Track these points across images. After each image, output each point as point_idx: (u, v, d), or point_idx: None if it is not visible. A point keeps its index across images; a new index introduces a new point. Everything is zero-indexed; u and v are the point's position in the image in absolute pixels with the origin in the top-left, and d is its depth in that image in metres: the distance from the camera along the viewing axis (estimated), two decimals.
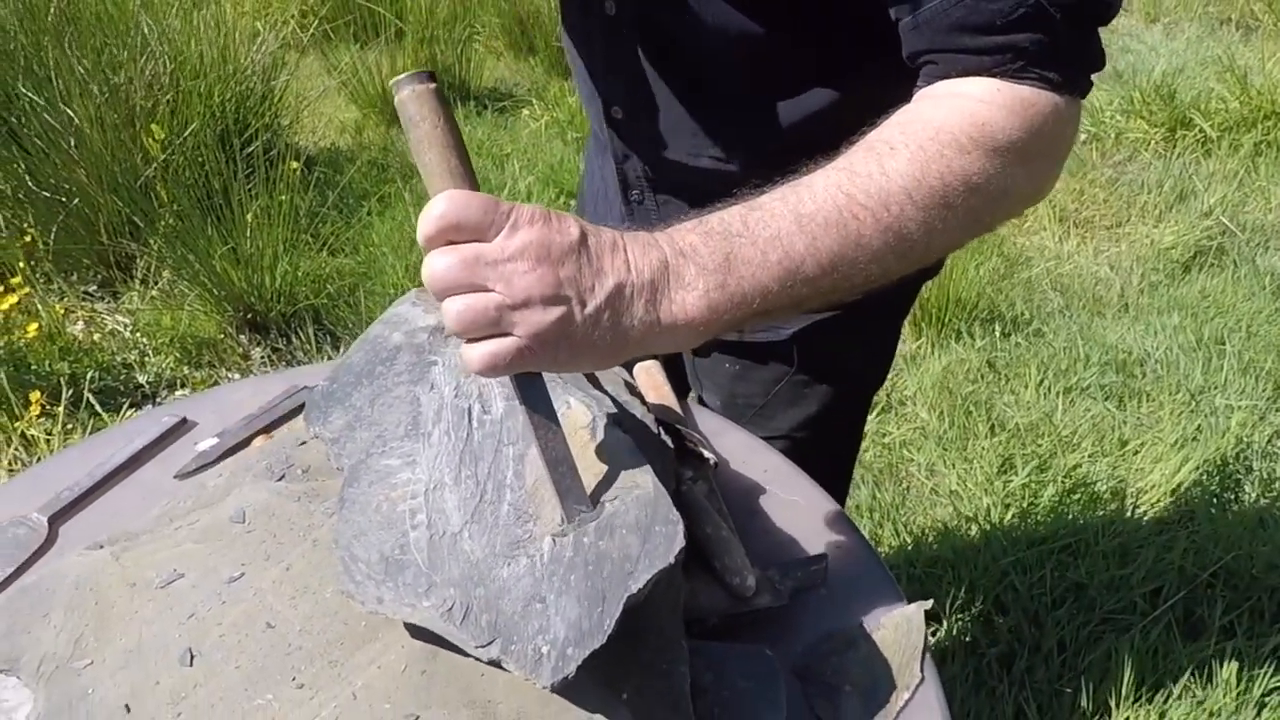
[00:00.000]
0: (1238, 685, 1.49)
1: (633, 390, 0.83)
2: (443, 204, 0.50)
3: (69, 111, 2.48)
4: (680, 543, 0.53)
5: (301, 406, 0.94)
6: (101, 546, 0.64)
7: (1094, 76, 0.62)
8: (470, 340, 0.51)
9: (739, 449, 0.91)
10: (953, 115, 0.57)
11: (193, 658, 0.53)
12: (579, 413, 0.62)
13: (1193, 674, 1.52)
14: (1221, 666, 1.51)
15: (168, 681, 0.52)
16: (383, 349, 0.71)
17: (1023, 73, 0.58)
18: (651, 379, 0.96)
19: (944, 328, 2.42)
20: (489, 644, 0.49)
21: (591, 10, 0.79)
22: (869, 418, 2.12)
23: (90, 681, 0.53)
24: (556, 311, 0.50)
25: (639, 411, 0.76)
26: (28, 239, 2.50)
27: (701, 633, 0.69)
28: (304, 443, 0.72)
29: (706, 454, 0.82)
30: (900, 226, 0.56)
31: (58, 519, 0.81)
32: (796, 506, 0.85)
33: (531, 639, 0.49)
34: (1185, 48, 4.48)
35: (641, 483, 0.57)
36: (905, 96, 0.63)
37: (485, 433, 0.61)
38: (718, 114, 0.80)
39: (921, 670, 0.70)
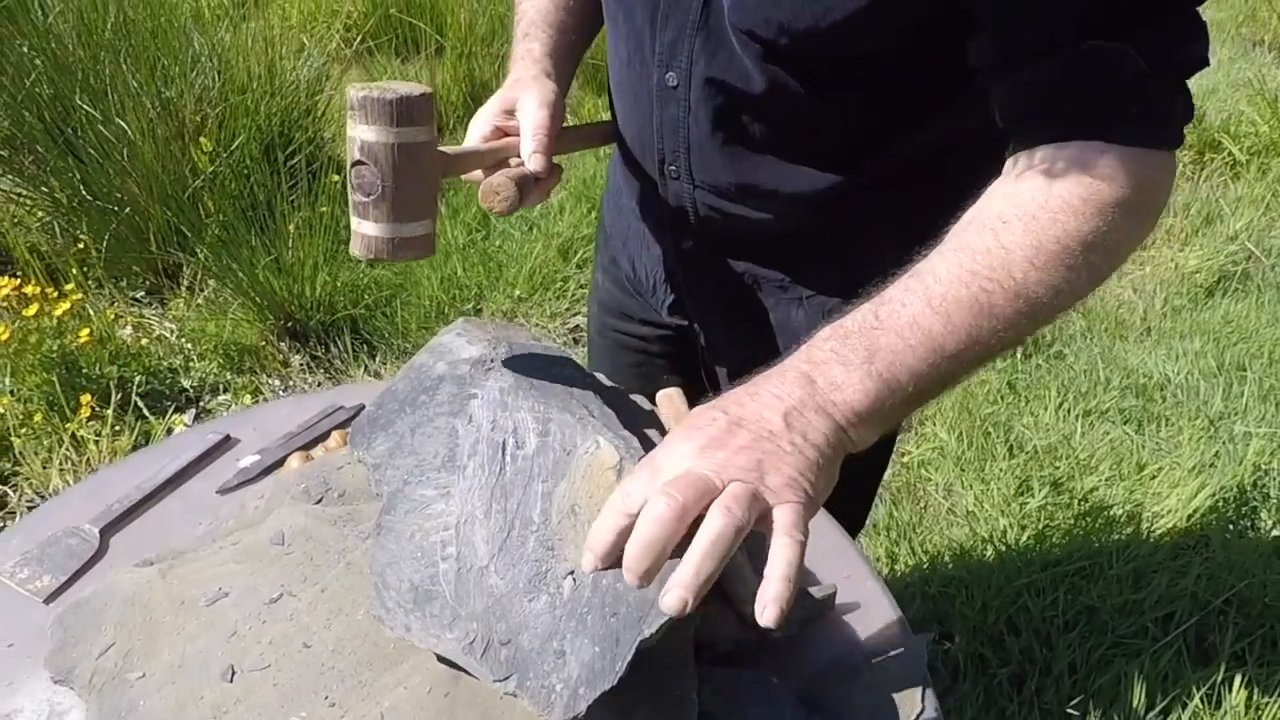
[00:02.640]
0: (1246, 713, 1.51)
1: (655, 422, 0.88)
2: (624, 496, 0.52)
3: (123, 124, 2.58)
4: None
5: (338, 426, 1.00)
6: (150, 564, 0.70)
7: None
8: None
9: None
10: (1061, 181, 0.60)
11: (234, 674, 0.59)
12: (607, 453, 0.67)
13: (1202, 700, 1.55)
14: (1231, 693, 1.54)
15: (210, 696, 0.58)
16: (426, 378, 0.77)
17: (1126, 133, 0.60)
18: (674, 406, 1.01)
19: None
20: (506, 678, 0.54)
21: (649, 83, 0.83)
22: None
23: (139, 694, 0.59)
24: (759, 469, 0.53)
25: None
26: (80, 245, 2.61)
27: (712, 658, 0.73)
28: (341, 467, 0.78)
29: None
30: (1029, 293, 0.59)
31: (108, 530, 0.87)
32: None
33: (546, 676, 0.54)
34: (1217, 69, 4.46)
35: None
36: (974, 137, 0.68)
37: (517, 468, 0.66)
38: (769, 170, 0.83)
39: (923, 702, 0.74)
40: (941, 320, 0.58)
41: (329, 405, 1.01)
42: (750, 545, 0.84)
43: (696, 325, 1.06)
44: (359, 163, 0.67)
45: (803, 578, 0.84)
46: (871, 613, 0.82)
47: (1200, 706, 1.53)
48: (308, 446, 0.95)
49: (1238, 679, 1.55)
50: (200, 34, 2.93)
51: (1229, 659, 1.63)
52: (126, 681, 0.60)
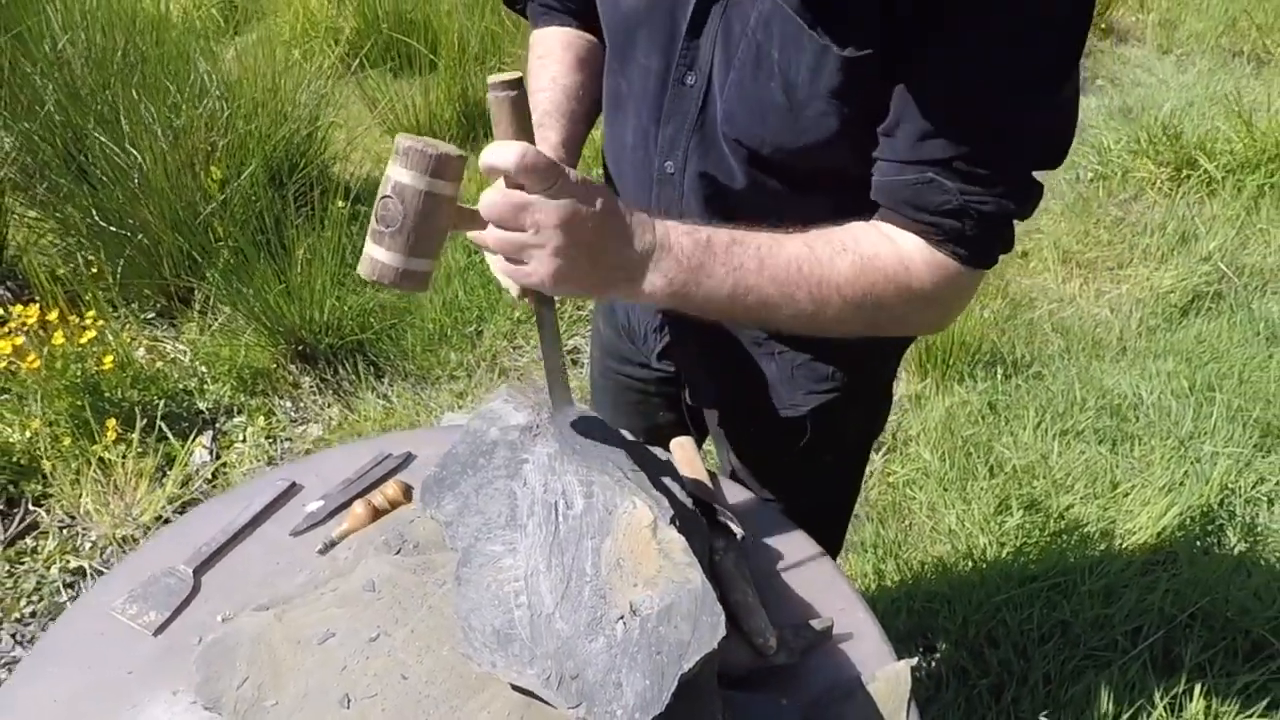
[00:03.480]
0: (1205, 715, 1.64)
1: (672, 469, 1.00)
2: (515, 152, 0.69)
3: (135, 152, 2.67)
4: (722, 631, 0.69)
5: (391, 472, 1.11)
6: (265, 608, 0.81)
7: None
8: (502, 258, 0.74)
9: (759, 517, 1.07)
10: (890, 255, 0.79)
11: (349, 702, 0.70)
12: (643, 513, 0.79)
13: (1165, 708, 1.67)
14: (1191, 701, 1.67)
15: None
16: (482, 442, 0.88)
17: (943, 244, 0.79)
18: (686, 454, 1.13)
19: (948, 370, 2.57)
20: (577, 706, 0.66)
21: (650, 169, 0.95)
22: (875, 457, 2.28)
23: (275, 719, 0.70)
24: (558, 260, 0.71)
25: (684, 498, 0.92)
26: (94, 270, 2.69)
27: (728, 683, 0.85)
28: (413, 521, 0.89)
29: (735, 528, 0.98)
30: (821, 303, 0.80)
31: (200, 570, 0.98)
32: (807, 571, 1.01)
33: (609, 704, 0.65)
34: (1196, 81, 4.60)
35: (692, 578, 0.73)
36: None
37: (569, 526, 0.78)
38: None
39: (908, 718, 0.86)
40: (756, 279, 0.78)
41: (379, 453, 1.12)
42: (762, 588, 0.96)
43: (682, 372, 1.19)
44: (388, 197, 0.77)
45: (805, 614, 0.95)
46: (863, 641, 0.94)
47: (1164, 714, 1.66)
48: (364, 492, 1.06)
49: (1198, 688, 1.68)
50: (206, 61, 3.01)
51: (1192, 670, 1.76)
52: (264, 709, 0.71)
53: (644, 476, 0.90)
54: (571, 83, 1.04)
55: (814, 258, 0.78)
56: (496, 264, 0.75)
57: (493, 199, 0.71)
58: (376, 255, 0.78)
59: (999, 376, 2.59)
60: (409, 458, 1.12)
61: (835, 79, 0.76)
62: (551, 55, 1.06)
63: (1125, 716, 1.66)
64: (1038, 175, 0.80)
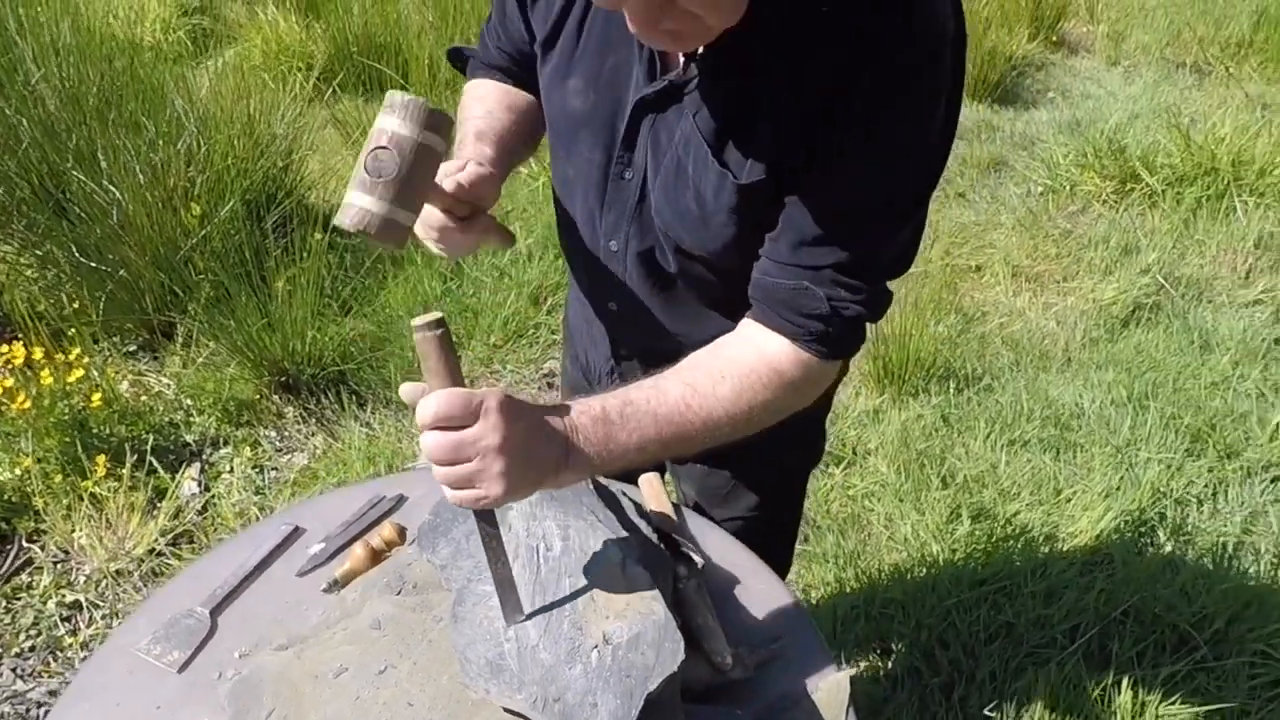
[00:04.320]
0: (1132, 707, 1.79)
1: (641, 510, 1.12)
2: (434, 403, 0.78)
3: (114, 190, 2.75)
4: (681, 655, 0.82)
5: (386, 514, 1.22)
6: (285, 648, 0.92)
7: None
8: (451, 490, 0.81)
9: (717, 545, 1.19)
10: (762, 365, 0.91)
11: None
12: (612, 553, 0.91)
13: (1098, 700, 1.82)
14: (1120, 694, 1.81)
15: None
16: None
17: (809, 344, 0.91)
18: (653, 490, 1.25)
19: (904, 385, 2.71)
20: None
21: (596, 246, 1.07)
22: (836, 471, 2.41)
23: None
24: (504, 480, 0.79)
25: (650, 533, 1.04)
26: (76, 305, 2.76)
27: (690, 698, 0.97)
28: (410, 564, 1.00)
29: (696, 557, 1.10)
30: (715, 427, 0.91)
31: (216, 611, 1.09)
32: (759, 591, 1.13)
33: None
34: (1142, 93, 4.80)
35: (656, 610, 0.86)
36: None
37: (549, 567, 0.90)
38: (686, 319, 1.10)
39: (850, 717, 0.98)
40: (656, 430, 0.88)
41: (374, 496, 1.23)
42: (720, 609, 1.08)
43: None
44: (382, 148, 0.78)
45: (757, 631, 1.08)
46: (808, 654, 1.06)
47: (1096, 705, 1.81)
48: (363, 533, 1.17)
49: (1126, 681, 1.83)
50: (181, 96, 3.09)
51: (1123, 663, 1.91)
52: None
53: (613, 518, 1.02)
54: (506, 119, 1.13)
55: (697, 394, 0.89)
56: (447, 494, 0.82)
57: (431, 445, 0.79)
58: (363, 203, 0.78)
59: (951, 390, 2.74)
60: (401, 499, 1.23)
61: (733, 199, 0.89)
62: (491, 96, 1.16)
63: (1062, 708, 1.81)
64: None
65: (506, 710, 0.81)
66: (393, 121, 0.77)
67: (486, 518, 0.85)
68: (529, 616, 0.86)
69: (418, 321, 0.78)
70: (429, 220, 0.96)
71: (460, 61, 1.24)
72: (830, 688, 1.02)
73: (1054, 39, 5.28)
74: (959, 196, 3.83)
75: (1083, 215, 3.77)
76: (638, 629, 0.84)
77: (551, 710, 0.78)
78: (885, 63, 0.80)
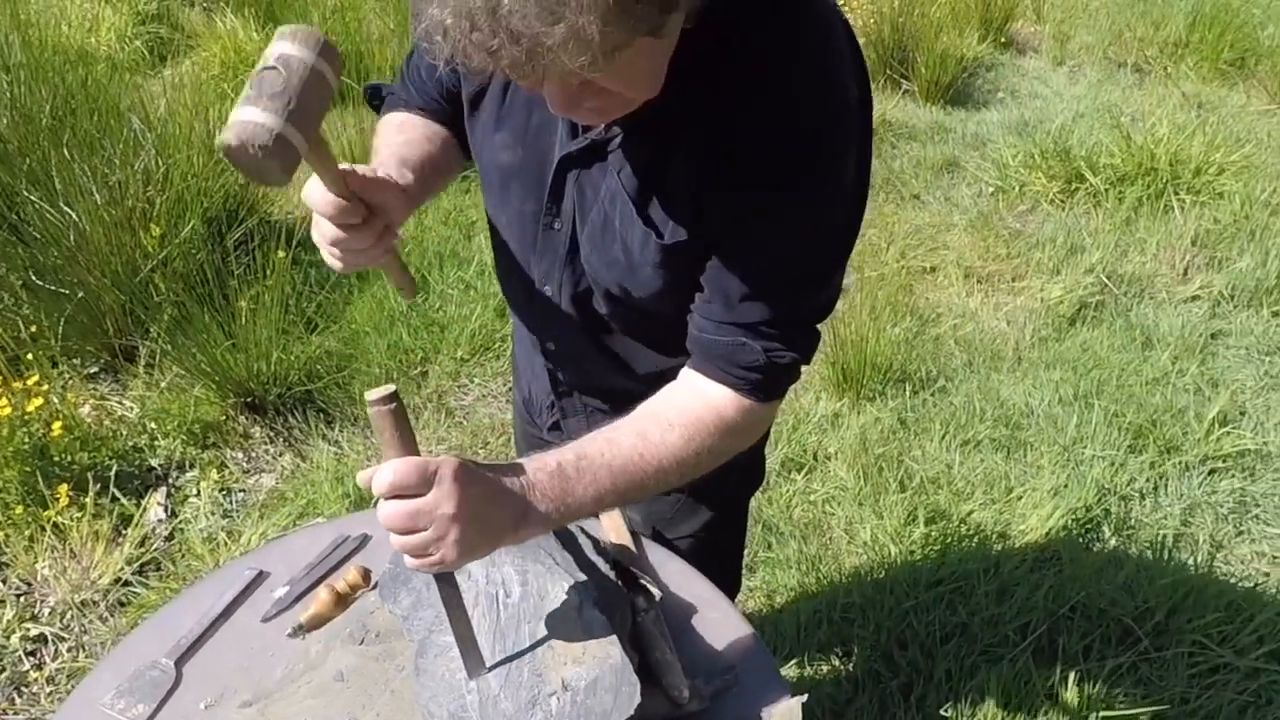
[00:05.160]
0: (1079, 699, 1.87)
1: (599, 546, 1.16)
2: (390, 473, 0.81)
3: (70, 211, 2.73)
4: (638, 699, 0.87)
5: (349, 555, 1.26)
6: (249, 704, 0.96)
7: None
8: (410, 557, 0.84)
9: (675, 575, 1.24)
10: (707, 412, 0.96)
11: None
12: (570, 598, 0.96)
13: (1046, 694, 1.91)
14: (1068, 687, 1.90)
15: None
16: None
17: (750, 392, 0.96)
18: (613, 523, 1.29)
19: (862, 389, 2.78)
20: None
21: (531, 290, 1.11)
22: (797, 478, 2.48)
23: None
24: (459, 545, 0.83)
25: (609, 572, 1.09)
26: (33, 329, 2.74)
27: None
28: (373, 612, 1.04)
29: (654, 590, 1.15)
30: (666, 474, 0.96)
31: (181, 661, 1.10)
32: (713, 619, 1.18)
33: None
34: (1086, 92, 4.92)
35: (612, 654, 0.91)
36: None
37: (509, 614, 0.94)
38: (622, 358, 1.14)
39: None
40: (611, 481, 0.92)
41: (338, 536, 1.26)
42: (677, 640, 1.13)
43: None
44: (270, 68, 0.73)
45: (713, 660, 1.13)
46: (763, 684, 1.10)
47: (1044, 699, 1.89)
48: (327, 575, 1.20)
49: (1073, 675, 1.91)
50: (138, 117, 3.07)
51: (1071, 657, 2.00)
52: None
53: (571, 559, 1.06)
54: (428, 150, 1.12)
55: (648, 444, 0.94)
56: (405, 561, 0.85)
57: (388, 514, 0.82)
58: (249, 116, 0.72)
59: (908, 393, 2.82)
60: (365, 539, 1.26)
61: (658, 256, 0.94)
62: (411, 127, 1.14)
63: (1014, 703, 1.89)
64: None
65: None
66: (283, 44, 0.73)
67: (446, 579, 0.88)
68: (490, 669, 0.90)
69: (371, 396, 0.81)
70: (322, 227, 0.91)
71: (378, 99, 1.22)
72: (782, 713, 1.07)
73: (1003, 40, 5.38)
74: (914, 198, 3.91)
75: (1032, 215, 3.87)
76: (595, 674, 0.89)
77: None
78: (791, 130, 0.85)
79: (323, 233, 0.91)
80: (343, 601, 1.14)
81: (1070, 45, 5.45)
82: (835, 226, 0.94)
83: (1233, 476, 2.57)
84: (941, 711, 1.89)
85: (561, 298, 1.09)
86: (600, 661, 0.90)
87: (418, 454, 0.83)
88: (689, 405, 0.98)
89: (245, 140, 0.71)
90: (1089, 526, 2.38)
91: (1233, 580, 2.26)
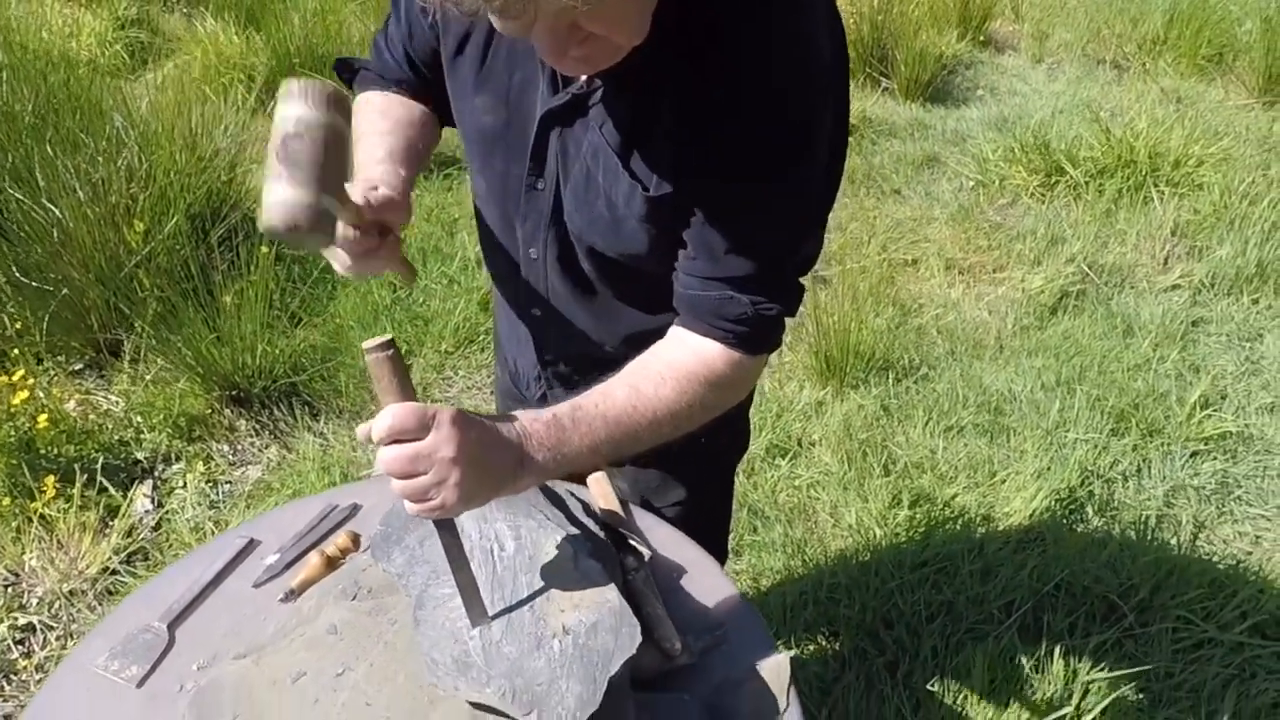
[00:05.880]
0: (1064, 674, 1.89)
1: (588, 509, 1.17)
2: (389, 417, 0.82)
3: (53, 208, 2.73)
4: (639, 638, 0.88)
5: (339, 524, 1.26)
6: (243, 656, 0.96)
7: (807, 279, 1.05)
8: (410, 502, 0.85)
9: (664, 539, 1.25)
10: (698, 365, 0.98)
11: None
12: (564, 549, 0.97)
13: (1032, 669, 1.92)
14: (1053, 662, 1.92)
15: None
16: None
17: (738, 345, 0.98)
18: (601, 489, 1.30)
19: (845, 378, 2.81)
20: (529, 713, 0.82)
21: (516, 254, 1.12)
22: (782, 463, 2.49)
23: None
24: (460, 489, 0.83)
25: (599, 530, 1.10)
26: (18, 326, 2.74)
27: (640, 685, 1.02)
28: (365, 569, 1.04)
29: (643, 549, 1.16)
30: (659, 425, 0.98)
31: (173, 625, 1.11)
32: (702, 580, 1.20)
33: (555, 708, 0.83)
34: (1065, 89, 4.98)
35: (611, 598, 0.92)
36: None
37: (505, 566, 0.95)
38: (607, 319, 1.15)
39: (788, 699, 1.05)
40: (606, 433, 0.94)
41: (327, 506, 1.27)
42: (667, 599, 1.14)
43: None
44: (293, 136, 0.74)
45: (702, 618, 1.14)
46: (751, 641, 1.12)
47: (1031, 674, 1.91)
48: (318, 543, 1.20)
49: (1058, 650, 1.93)
50: (120, 113, 3.07)
51: (1056, 634, 2.02)
52: None
53: (562, 516, 1.08)
54: (411, 135, 1.13)
55: (641, 397, 0.96)
56: (406, 506, 0.86)
57: (388, 458, 0.82)
58: (285, 197, 0.74)
59: (891, 380, 2.84)
60: (355, 508, 1.27)
61: (643, 209, 0.95)
62: (392, 111, 1.14)
63: (1000, 679, 1.90)
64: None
65: (474, 705, 0.86)
66: (297, 107, 0.74)
67: (446, 527, 0.89)
68: (493, 618, 0.91)
69: (368, 344, 0.81)
70: (339, 255, 0.94)
71: (349, 73, 1.22)
72: (772, 669, 1.08)
73: (982, 38, 5.44)
74: (895, 193, 3.94)
75: (1012, 208, 3.91)
76: (595, 617, 0.90)
77: (521, 700, 0.83)
78: (763, 86, 0.87)
79: (340, 261, 0.94)
80: (334, 567, 1.15)
81: (1049, 43, 5.52)
82: (813, 180, 0.96)
83: (1215, 459, 2.61)
84: (928, 687, 1.91)
85: (546, 260, 1.10)
86: (599, 606, 0.91)
87: (416, 400, 0.84)
88: (679, 359, 1.00)
89: (290, 222, 0.74)
90: (1072, 508, 2.40)
91: (1215, 559, 2.29)
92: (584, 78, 0.93)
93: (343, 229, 0.89)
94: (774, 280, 0.98)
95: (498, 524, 1.01)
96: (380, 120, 1.12)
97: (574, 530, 1.03)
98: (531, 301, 1.19)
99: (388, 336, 0.83)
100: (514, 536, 0.99)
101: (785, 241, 0.98)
